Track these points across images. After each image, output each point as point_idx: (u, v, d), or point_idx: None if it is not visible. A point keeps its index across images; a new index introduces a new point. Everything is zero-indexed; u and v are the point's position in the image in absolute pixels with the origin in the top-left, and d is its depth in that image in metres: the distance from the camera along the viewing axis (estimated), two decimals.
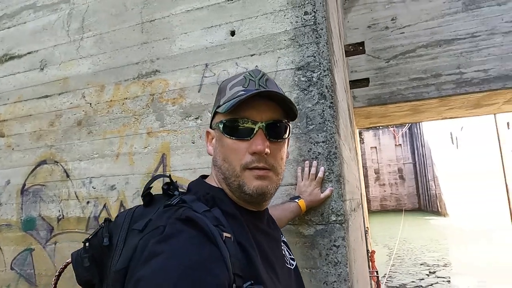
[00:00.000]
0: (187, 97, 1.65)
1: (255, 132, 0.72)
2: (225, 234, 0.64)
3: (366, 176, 28.02)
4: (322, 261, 1.36)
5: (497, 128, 12.71)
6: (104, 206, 1.72)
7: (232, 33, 1.61)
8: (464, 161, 16.51)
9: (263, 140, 0.72)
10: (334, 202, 1.39)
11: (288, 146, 0.83)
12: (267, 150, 0.71)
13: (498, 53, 5.34)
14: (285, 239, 0.91)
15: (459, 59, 5.66)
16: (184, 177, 1.59)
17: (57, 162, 1.88)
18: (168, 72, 1.70)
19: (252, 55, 1.56)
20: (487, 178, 13.77)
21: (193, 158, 1.60)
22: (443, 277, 7.29)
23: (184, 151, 1.62)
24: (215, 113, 0.79)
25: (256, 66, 1.53)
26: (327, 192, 1.38)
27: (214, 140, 0.80)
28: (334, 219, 1.38)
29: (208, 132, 0.83)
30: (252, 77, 0.76)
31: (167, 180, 0.82)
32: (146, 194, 0.81)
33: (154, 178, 0.83)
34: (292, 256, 0.89)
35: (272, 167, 0.74)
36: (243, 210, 0.76)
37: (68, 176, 1.85)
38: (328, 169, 1.40)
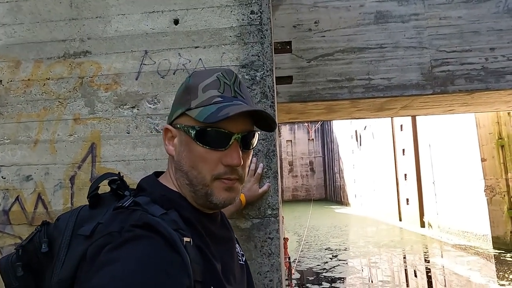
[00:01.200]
0: (123, 84, 1.55)
1: (230, 143, 0.69)
2: (185, 239, 0.62)
3: (281, 167, 29.51)
4: (257, 253, 1.44)
5: (393, 130, 14.61)
6: (17, 198, 1.52)
7: (176, 22, 1.56)
8: (364, 157, 18.62)
9: (238, 152, 0.70)
10: (270, 197, 1.47)
11: None
12: (242, 162, 0.71)
13: (399, 65, 6.12)
14: (236, 236, 0.95)
15: (369, 66, 6.33)
16: (116, 168, 1.50)
17: None
18: (101, 54, 1.56)
19: (196, 47, 1.53)
20: (383, 173, 15.79)
21: (127, 150, 1.51)
22: (344, 260, 8.18)
23: (118, 142, 1.52)
24: (182, 113, 0.73)
25: (200, 59, 1.52)
26: (264, 187, 1.45)
27: (176, 141, 0.74)
28: (270, 213, 1.46)
29: (167, 130, 0.76)
30: (227, 80, 0.72)
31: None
32: (93, 194, 0.75)
33: (102, 177, 0.78)
34: (242, 252, 0.92)
35: (241, 177, 0.73)
36: (200, 213, 0.75)
37: None
38: (267, 165, 1.47)
